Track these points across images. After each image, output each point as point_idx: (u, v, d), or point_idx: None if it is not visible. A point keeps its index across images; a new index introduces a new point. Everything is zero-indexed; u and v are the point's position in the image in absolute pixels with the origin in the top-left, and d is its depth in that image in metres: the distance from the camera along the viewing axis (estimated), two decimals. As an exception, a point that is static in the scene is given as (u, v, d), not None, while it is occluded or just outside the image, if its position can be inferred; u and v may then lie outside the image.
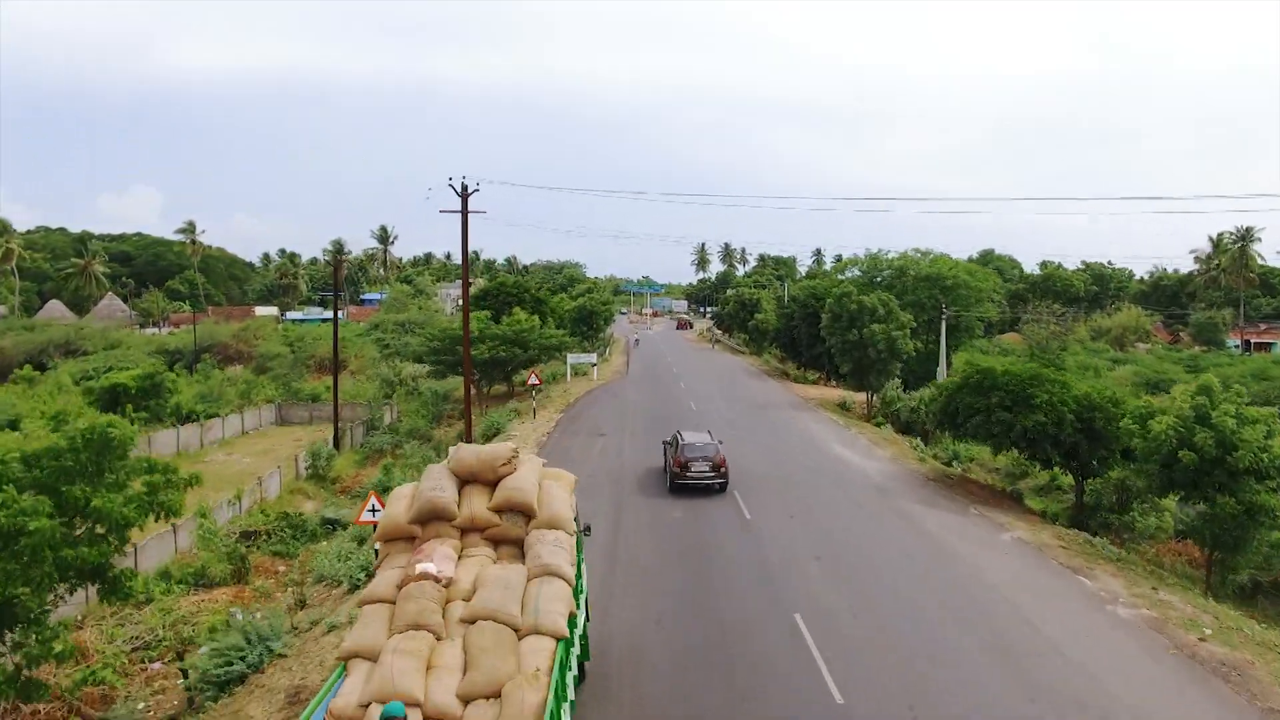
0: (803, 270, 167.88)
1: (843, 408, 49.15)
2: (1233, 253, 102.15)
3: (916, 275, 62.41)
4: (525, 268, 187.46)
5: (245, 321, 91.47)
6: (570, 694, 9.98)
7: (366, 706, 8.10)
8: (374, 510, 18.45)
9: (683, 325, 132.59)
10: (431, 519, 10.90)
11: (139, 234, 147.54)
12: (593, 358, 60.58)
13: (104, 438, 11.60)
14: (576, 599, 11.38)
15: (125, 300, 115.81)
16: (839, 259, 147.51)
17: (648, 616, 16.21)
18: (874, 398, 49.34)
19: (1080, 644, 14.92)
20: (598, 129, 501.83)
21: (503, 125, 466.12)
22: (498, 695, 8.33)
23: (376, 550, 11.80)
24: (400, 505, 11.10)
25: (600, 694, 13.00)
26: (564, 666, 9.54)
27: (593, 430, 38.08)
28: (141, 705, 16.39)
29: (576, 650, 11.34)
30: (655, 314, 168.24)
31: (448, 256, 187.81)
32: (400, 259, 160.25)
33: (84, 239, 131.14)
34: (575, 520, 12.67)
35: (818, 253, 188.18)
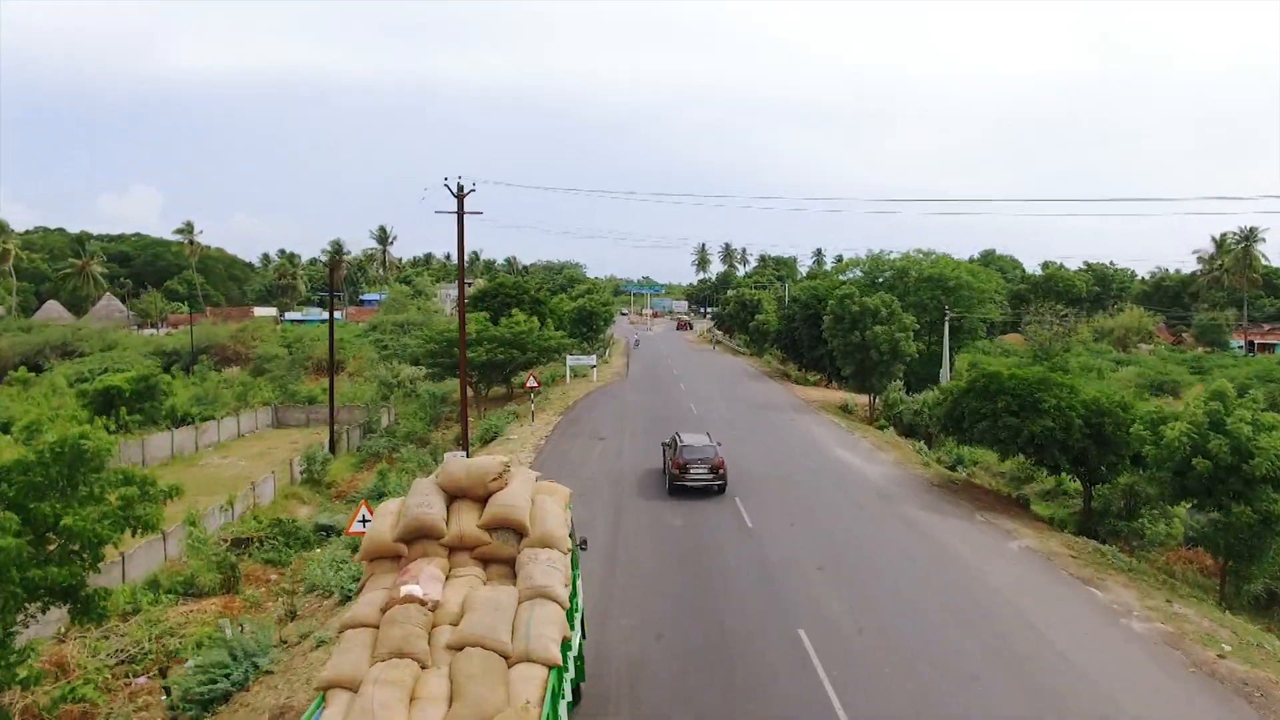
0: (803, 270, 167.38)
1: (844, 410, 48.64)
2: (1236, 253, 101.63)
3: (918, 276, 61.88)
4: (525, 268, 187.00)
5: (243, 322, 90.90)
6: None
7: (345, 742, 7.58)
8: (364, 521, 17.92)
9: (683, 326, 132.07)
10: (418, 537, 10.36)
11: (138, 234, 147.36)
12: (592, 359, 60.07)
13: (76, 450, 11.08)
14: (571, 619, 10.86)
15: (123, 301, 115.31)
16: (840, 259, 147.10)
17: (647, 631, 15.70)
18: (876, 400, 48.82)
19: (1095, 661, 14.39)
20: (598, 129, 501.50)
21: (503, 125, 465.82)
22: (486, 729, 7.80)
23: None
24: (385, 522, 10.56)
25: (598, 712, 12.53)
26: (556, 695, 9.00)
27: (592, 433, 37.57)
28: (123, 723, 15.87)
29: (571, 674, 10.81)
30: (655, 314, 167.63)
31: (447, 257, 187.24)
32: (400, 259, 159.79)
33: (82, 239, 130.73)
34: (571, 535, 12.16)
35: (818, 253, 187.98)
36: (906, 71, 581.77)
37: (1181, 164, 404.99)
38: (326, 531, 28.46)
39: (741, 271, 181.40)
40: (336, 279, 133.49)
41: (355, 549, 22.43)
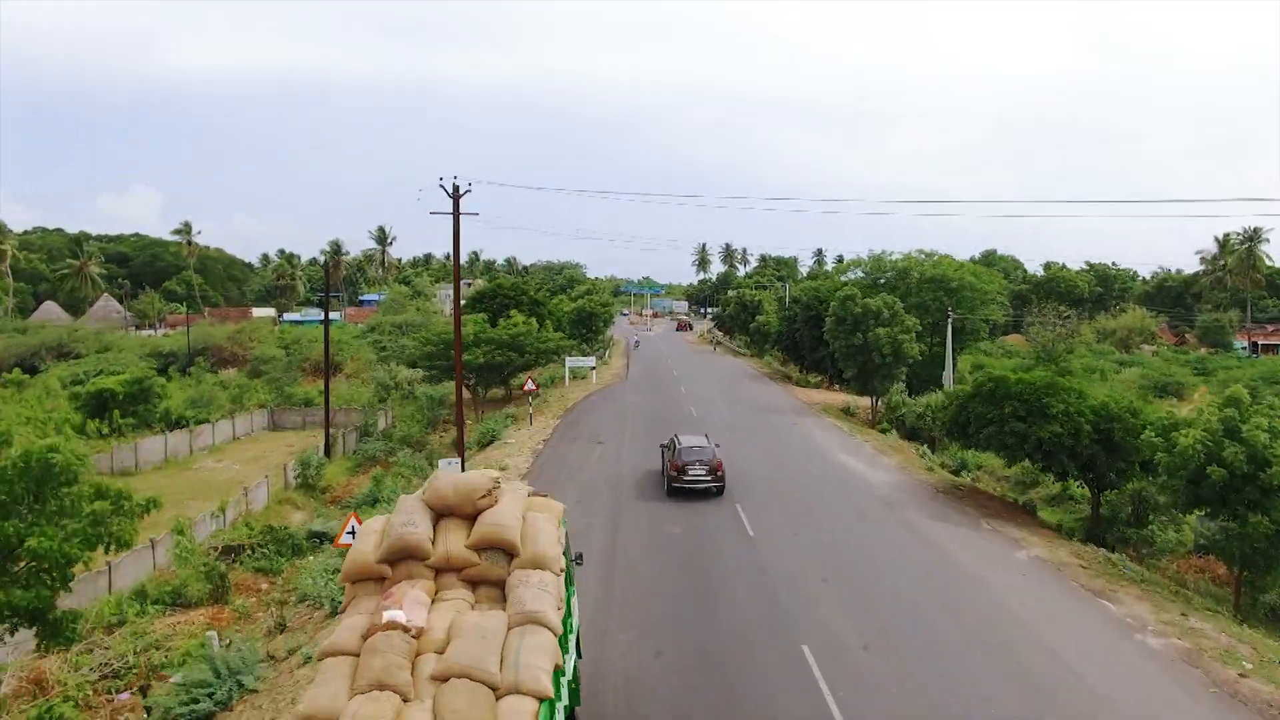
0: (804, 271, 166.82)
1: (846, 413, 48.12)
2: (1240, 253, 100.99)
3: (920, 277, 61.31)
4: (525, 268, 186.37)
5: (241, 323, 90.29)
6: None
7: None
8: (353, 532, 17.32)
9: (683, 327, 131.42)
10: (403, 558, 9.80)
11: (136, 234, 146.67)
12: (591, 361, 59.50)
13: (44, 465, 10.54)
14: (565, 640, 10.32)
15: (121, 301, 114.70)
16: (840, 259, 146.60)
17: (646, 647, 15.16)
18: (878, 402, 48.28)
19: (1112, 681, 13.83)
20: (598, 129, 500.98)
21: (503, 125, 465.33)
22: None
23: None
24: (369, 542, 10.01)
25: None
26: (547, 729, 8.47)
27: (591, 437, 37.03)
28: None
29: (565, 702, 10.25)
30: (655, 315, 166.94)
31: (447, 257, 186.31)
32: (399, 260, 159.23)
33: (80, 240, 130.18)
34: (565, 552, 11.63)
35: (819, 253, 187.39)
36: (906, 71, 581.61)
37: (1181, 164, 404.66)
38: (320, 538, 27.91)
39: (742, 272, 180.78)
40: (335, 279, 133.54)
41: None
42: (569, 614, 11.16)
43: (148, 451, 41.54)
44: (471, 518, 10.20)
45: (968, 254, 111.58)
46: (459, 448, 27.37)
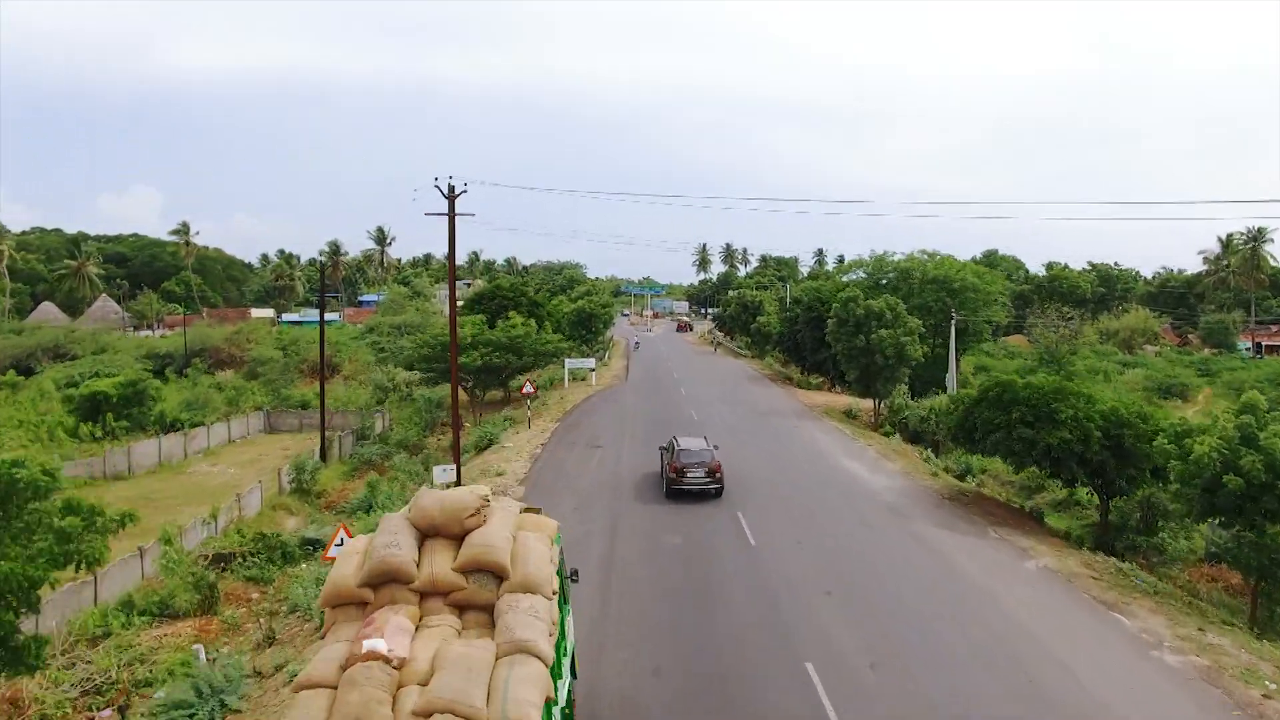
0: (804, 271, 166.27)
1: (849, 415, 47.56)
2: (1244, 253, 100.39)
3: (923, 278, 60.73)
4: (525, 268, 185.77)
5: (239, 324, 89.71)
6: None
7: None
8: (342, 544, 16.75)
9: (683, 328, 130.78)
10: (385, 581, 9.23)
11: (135, 235, 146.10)
12: (591, 363, 58.97)
13: (8, 481, 10.01)
14: (558, 667, 9.77)
15: (119, 302, 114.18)
16: (841, 260, 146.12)
17: (643, 664, 14.62)
18: (881, 405, 47.72)
19: (1130, 702, 13.27)
20: (598, 129, 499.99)
21: (503, 125, 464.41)
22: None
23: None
24: (349, 565, 9.45)
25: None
26: (537, 767, 7.92)
27: (590, 441, 36.50)
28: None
29: None
30: (656, 315, 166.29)
31: (446, 257, 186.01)
32: (399, 260, 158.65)
33: (78, 240, 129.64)
34: (560, 570, 11.08)
35: (819, 253, 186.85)
36: (906, 71, 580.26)
37: (1181, 164, 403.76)
38: (313, 545, 27.31)
39: (743, 272, 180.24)
40: (335, 280, 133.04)
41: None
42: (563, 635, 10.62)
43: (141, 455, 40.99)
44: (459, 538, 9.65)
45: (968, 254, 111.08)
46: (454, 453, 26.82)
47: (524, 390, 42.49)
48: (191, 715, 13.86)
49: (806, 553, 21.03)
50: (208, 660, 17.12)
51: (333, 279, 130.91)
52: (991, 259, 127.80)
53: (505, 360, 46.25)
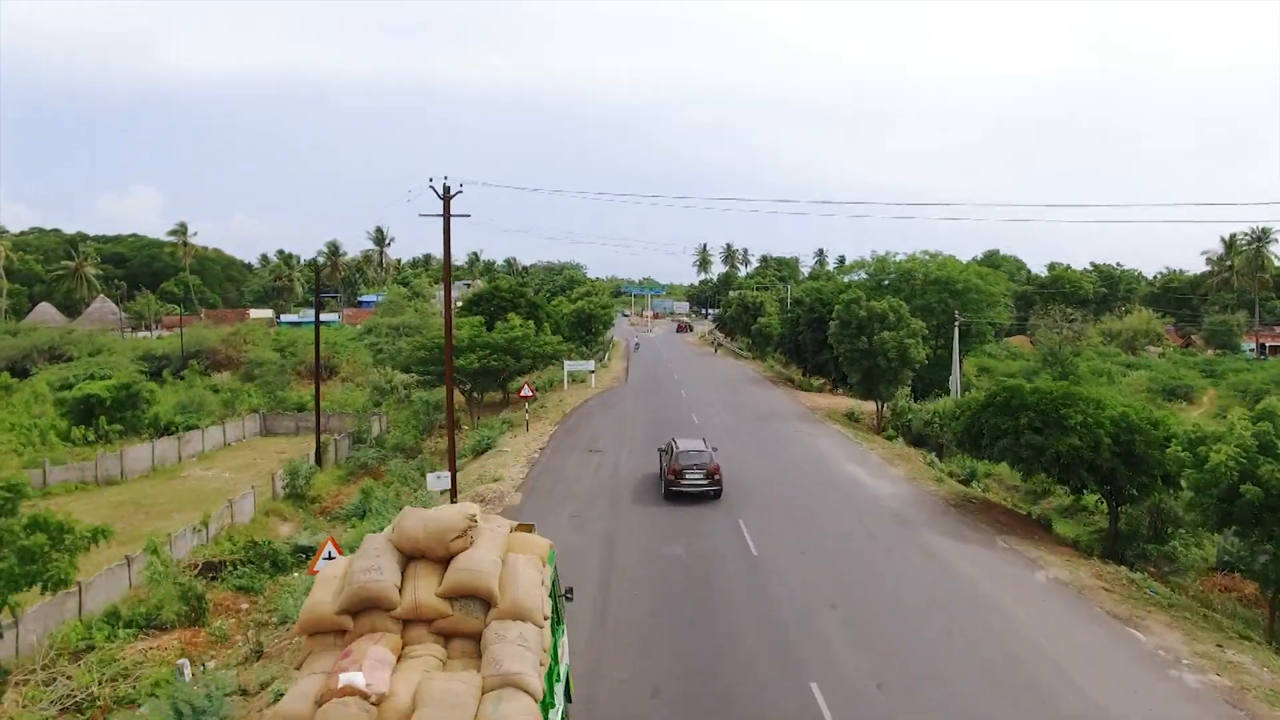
0: (805, 271, 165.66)
1: (851, 418, 46.99)
2: (1248, 254, 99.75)
3: (925, 278, 60.10)
4: (525, 269, 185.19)
5: (236, 325, 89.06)
6: None
7: None
8: (331, 557, 16.19)
9: (683, 328, 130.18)
10: (366, 609, 8.68)
11: (134, 235, 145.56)
12: (590, 365, 58.40)
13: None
14: (550, 694, 9.22)
15: (118, 303, 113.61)
16: (842, 260, 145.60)
17: (643, 684, 14.05)
18: (884, 408, 47.13)
19: (1149, 726, 12.71)
20: (598, 129, 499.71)
21: (503, 125, 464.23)
22: None
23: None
24: (327, 590, 8.89)
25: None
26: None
27: (588, 445, 35.94)
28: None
29: None
30: (656, 315, 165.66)
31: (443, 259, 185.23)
32: (398, 260, 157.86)
33: (76, 240, 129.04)
34: (553, 591, 10.53)
35: (820, 253, 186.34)
36: (906, 71, 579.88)
37: (1181, 164, 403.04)
38: (306, 553, 26.70)
39: (743, 272, 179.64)
40: (334, 280, 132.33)
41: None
42: (555, 660, 10.05)
43: (134, 459, 40.41)
44: (444, 561, 9.09)
45: (969, 254, 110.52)
46: (450, 461, 26.24)
47: (522, 393, 41.91)
48: (170, 738, 13.29)
49: (810, 563, 20.47)
50: (192, 676, 16.56)
51: (332, 279, 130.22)
52: (993, 259, 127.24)
53: (503, 363, 45.65)
